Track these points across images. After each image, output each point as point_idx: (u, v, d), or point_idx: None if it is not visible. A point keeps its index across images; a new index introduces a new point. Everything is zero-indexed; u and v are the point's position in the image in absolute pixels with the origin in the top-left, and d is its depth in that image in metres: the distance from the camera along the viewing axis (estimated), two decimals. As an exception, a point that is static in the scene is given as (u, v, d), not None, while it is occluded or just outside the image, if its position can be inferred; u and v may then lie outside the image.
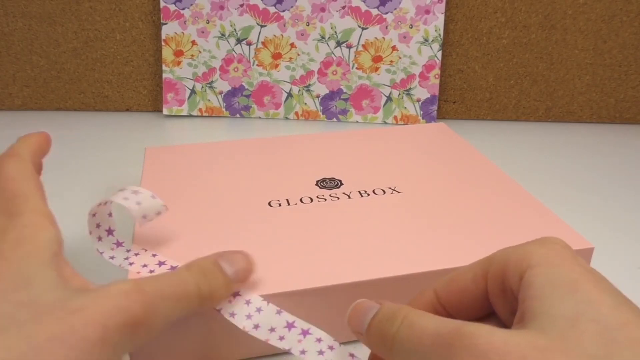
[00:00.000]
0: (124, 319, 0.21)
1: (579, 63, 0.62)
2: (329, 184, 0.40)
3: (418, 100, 0.63)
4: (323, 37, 0.61)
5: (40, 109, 0.65)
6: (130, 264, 0.31)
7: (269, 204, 0.37)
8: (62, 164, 0.53)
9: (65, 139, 0.58)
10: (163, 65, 0.62)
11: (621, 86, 0.63)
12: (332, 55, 0.62)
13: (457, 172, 0.42)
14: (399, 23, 0.60)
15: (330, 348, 0.27)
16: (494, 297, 0.23)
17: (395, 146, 0.47)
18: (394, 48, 0.61)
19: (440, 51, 0.61)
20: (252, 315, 0.28)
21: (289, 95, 0.63)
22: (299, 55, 0.62)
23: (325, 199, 0.38)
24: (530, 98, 0.64)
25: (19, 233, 0.23)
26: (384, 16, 0.60)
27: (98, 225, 0.31)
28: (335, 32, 0.61)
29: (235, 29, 0.61)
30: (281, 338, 0.27)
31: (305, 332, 0.28)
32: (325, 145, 0.47)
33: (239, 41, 0.61)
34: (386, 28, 0.60)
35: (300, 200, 0.38)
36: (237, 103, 0.64)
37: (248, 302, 0.28)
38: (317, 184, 0.40)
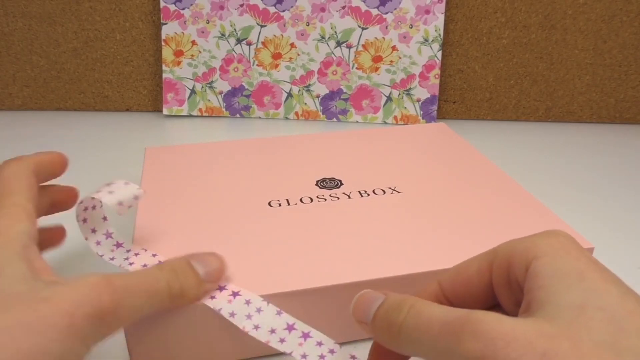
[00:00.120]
0: (92, 309, 0.21)
1: (579, 63, 0.62)
2: (329, 184, 0.40)
3: (418, 100, 0.63)
4: (323, 37, 0.61)
5: (40, 109, 0.65)
6: (131, 264, 0.31)
7: (269, 204, 0.37)
8: (62, 164, 0.53)
9: (65, 139, 0.58)
10: (163, 65, 0.62)
11: (621, 86, 0.63)
12: (332, 55, 0.62)
13: (457, 172, 0.42)
14: (399, 23, 0.60)
15: (331, 352, 0.27)
16: (499, 289, 0.23)
17: (395, 146, 0.47)
18: (394, 48, 0.61)
19: (440, 51, 0.61)
20: (252, 315, 0.28)
21: (289, 95, 0.63)
22: (299, 55, 0.62)
23: (325, 199, 0.38)
24: (530, 98, 0.64)
25: None
26: (384, 16, 0.60)
27: (93, 230, 0.31)
28: (335, 32, 0.61)
29: (235, 29, 0.61)
30: (282, 340, 0.27)
31: (305, 335, 0.27)
32: (325, 145, 0.47)
33: (239, 41, 0.61)
34: (386, 28, 0.60)
35: (300, 200, 0.38)
36: (237, 103, 0.64)
37: (248, 302, 0.28)
38: (317, 184, 0.40)
